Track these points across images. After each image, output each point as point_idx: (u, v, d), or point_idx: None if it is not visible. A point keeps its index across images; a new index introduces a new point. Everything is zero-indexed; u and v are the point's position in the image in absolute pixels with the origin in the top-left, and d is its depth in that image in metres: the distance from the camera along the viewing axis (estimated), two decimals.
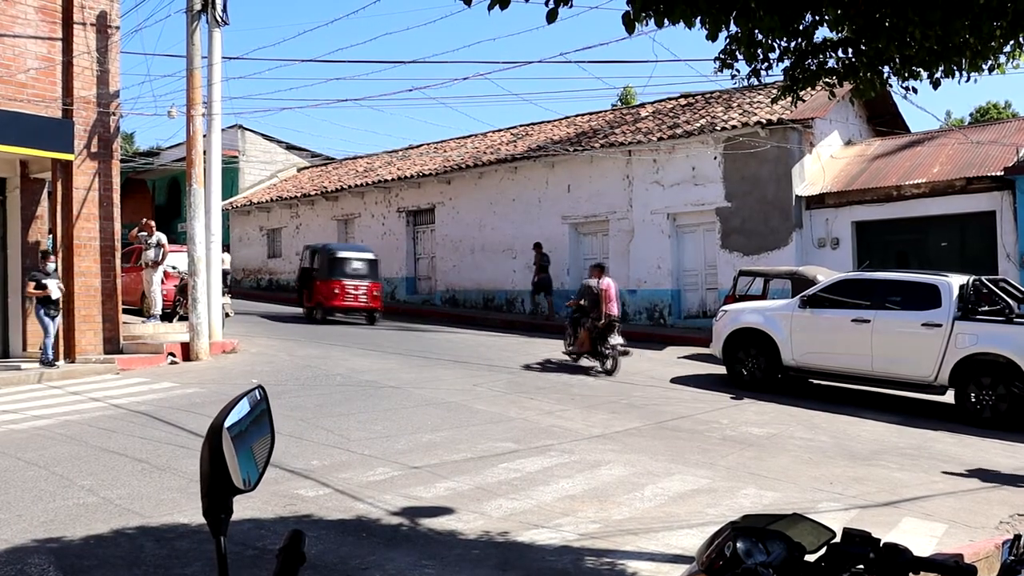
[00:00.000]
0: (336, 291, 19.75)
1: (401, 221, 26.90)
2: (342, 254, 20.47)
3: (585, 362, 14.16)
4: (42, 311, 13.31)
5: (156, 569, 5.21)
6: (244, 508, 5.94)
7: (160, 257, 16.88)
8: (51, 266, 13.61)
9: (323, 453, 8.22)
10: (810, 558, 2.10)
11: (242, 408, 1.76)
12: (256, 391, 1.84)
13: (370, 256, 20.96)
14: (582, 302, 14.28)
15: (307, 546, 1.66)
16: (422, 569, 5.30)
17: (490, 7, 4.45)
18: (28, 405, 10.80)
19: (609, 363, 13.67)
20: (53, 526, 5.95)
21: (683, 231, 20.25)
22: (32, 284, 13.37)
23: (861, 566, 2.04)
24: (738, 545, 2.02)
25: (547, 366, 14.34)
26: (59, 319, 13.66)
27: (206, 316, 14.74)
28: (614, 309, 13.96)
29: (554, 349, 15.98)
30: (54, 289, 13.37)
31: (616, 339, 13.65)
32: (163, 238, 17.15)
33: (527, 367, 14.12)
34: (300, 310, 21.71)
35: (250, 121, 36.61)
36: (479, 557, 5.56)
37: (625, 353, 13.66)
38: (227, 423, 1.69)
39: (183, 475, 7.35)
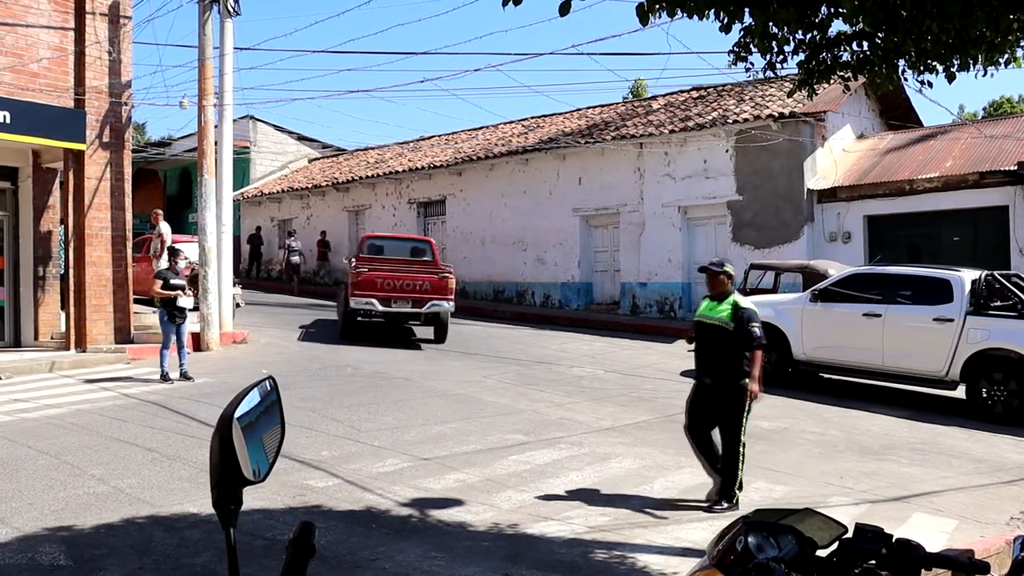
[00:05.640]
0: None
1: (412, 212, 26.90)
2: None
3: None
4: (165, 316, 11.79)
5: (166, 559, 5.23)
6: (254, 498, 5.95)
7: (159, 248, 16.81)
8: (181, 263, 12.33)
9: (333, 444, 8.24)
10: (822, 553, 2.09)
11: (252, 399, 1.75)
12: (266, 382, 1.83)
13: None
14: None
15: (316, 537, 1.66)
16: (431, 561, 5.30)
17: (504, 3, 4.42)
18: (40, 394, 10.85)
19: None
20: (64, 515, 5.98)
21: (694, 224, 20.18)
22: (159, 283, 11.85)
23: (873, 562, 2.03)
24: (749, 540, 2.01)
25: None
26: (186, 327, 12.07)
27: (216, 306, 14.78)
28: None
29: (563, 341, 15.95)
30: (186, 301, 11.99)
31: None
32: (163, 228, 17.03)
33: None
34: (306, 301, 22.20)
35: (262, 112, 36.66)
36: (488, 549, 5.56)
37: None
38: (237, 414, 1.68)
39: (193, 465, 7.38)
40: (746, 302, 7.03)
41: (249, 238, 30.58)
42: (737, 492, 6.70)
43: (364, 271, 15.19)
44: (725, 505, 6.63)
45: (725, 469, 6.75)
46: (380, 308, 15.11)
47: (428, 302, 15.21)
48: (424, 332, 16.80)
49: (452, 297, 15.63)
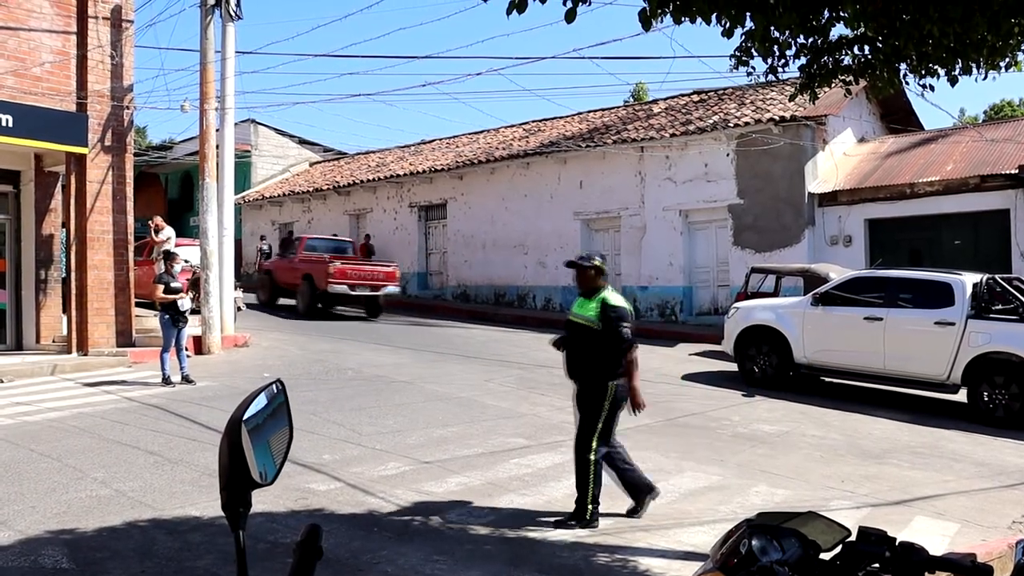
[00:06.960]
0: None
1: (413, 216, 26.91)
2: None
3: None
4: (167, 320, 11.75)
5: (169, 562, 5.23)
6: (256, 502, 5.88)
7: (157, 252, 16.79)
8: (177, 267, 12.22)
9: (335, 447, 8.24)
10: (825, 556, 2.09)
11: (260, 402, 1.76)
12: (274, 385, 1.83)
13: None
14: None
15: None
16: (433, 564, 5.30)
17: (508, 11, 4.44)
18: (41, 397, 10.86)
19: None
20: (66, 518, 5.99)
21: (695, 228, 20.20)
22: (161, 288, 11.78)
23: (876, 565, 2.03)
24: (753, 543, 2.01)
25: None
26: (185, 331, 12.08)
27: (218, 310, 14.79)
28: None
29: None
30: (185, 304, 11.95)
31: None
32: (168, 232, 17.02)
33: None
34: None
35: (263, 115, 36.66)
36: (490, 553, 5.56)
37: None
38: (245, 416, 1.68)
39: (195, 468, 7.39)
40: (616, 299, 6.26)
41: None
42: (591, 507, 6.04)
43: (338, 264, 19.72)
44: (574, 523, 6.03)
45: (576, 479, 6.14)
46: (350, 292, 19.68)
47: (383, 287, 20.42)
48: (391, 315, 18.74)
49: (397, 283, 21.09)
